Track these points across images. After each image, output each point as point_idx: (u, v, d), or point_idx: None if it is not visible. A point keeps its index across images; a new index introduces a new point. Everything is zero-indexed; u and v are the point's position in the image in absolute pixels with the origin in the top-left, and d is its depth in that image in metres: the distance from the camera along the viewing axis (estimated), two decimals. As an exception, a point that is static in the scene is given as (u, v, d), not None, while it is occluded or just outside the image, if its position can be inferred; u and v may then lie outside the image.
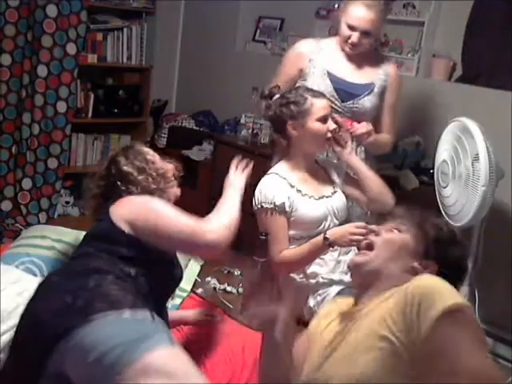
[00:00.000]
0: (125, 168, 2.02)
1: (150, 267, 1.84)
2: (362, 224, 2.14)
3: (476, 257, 3.00)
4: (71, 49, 4.07)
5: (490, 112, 3.27)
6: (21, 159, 4.13)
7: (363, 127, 2.63)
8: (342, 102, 2.75)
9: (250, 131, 4.11)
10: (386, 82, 2.79)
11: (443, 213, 3.00)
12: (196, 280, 2.76)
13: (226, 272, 2.88)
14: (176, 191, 2.15)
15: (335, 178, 2.62)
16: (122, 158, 2.05)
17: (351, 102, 2.75)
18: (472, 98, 3.38)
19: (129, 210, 1.88)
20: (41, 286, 1.78)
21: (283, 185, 2.45)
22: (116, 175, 2.02)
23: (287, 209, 2.41)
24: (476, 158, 2.71)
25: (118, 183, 2.01)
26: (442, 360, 1.25)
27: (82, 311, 1.55)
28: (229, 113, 4.57)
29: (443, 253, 1.58)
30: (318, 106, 2.41)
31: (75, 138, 4.45)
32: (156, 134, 4.76)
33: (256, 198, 2.47)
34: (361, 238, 1.78)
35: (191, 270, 2.81)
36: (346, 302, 1.70)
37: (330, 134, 2.46)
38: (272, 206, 2.41)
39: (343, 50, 2.76)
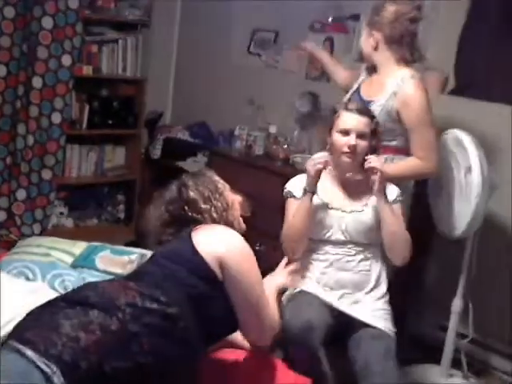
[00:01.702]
0: (191, 194, 2.02)
1: (198, 316, 1.75)
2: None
3: (470, 268, 3.02)
4: (66, 60, 4.07)
5: (483, 124, 3.29)
6: (15, 170, 4.13)
7: (375, 161, 2.44)
8: None
9: (244, 143, 4.12)
10: (390, 103, 2.66)
11: (436, 225, 3.02)
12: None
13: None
14: (242, 225, 2.13)
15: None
16: (192, 184, 2.05)
17: None
18: (465, 110, 3.41)
19: (222, 247, 1.83)
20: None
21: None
22: (186, 201, 2.01)
23: (296, 195, 2.54)
24: (469, 170, 2.74)
25: (186, 208, 2.00)
26: None
27: None
28: (223, 124, 4.58)
29: None
30: (342, 118, 2.44)
31: (70, 149, 4.44)
32: (150, 145, 4.77)
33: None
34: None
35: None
36: None
37: (346, 149, 2.42)
38: (288, 193, 2.59)
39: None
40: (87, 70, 4.35)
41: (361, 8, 3.72)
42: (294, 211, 2.52)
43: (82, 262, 2.64)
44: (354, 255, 2.51)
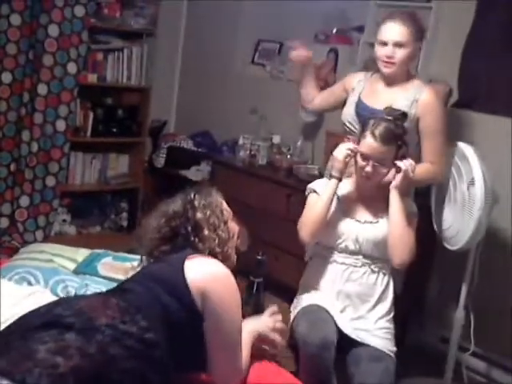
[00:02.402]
0: (198, 217, 1.91)
1: (174, 347, 1.68)
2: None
3: (472, 280, 3.01)
4: (72, 68, 4.10)
5: (486, 137, 3.30)
6: (19, 177, 4.14)
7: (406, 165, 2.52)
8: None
9: (247, 152, 4.13)
10: (414, 109, 2.69)
11: (439, 236, 3.02)
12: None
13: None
14: (234, 258, 2.00)
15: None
16: (199, 206, 1.94)
17: None
18: (468, 123, 3.42)
19: (210, 285, 1.74)
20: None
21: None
22: (191, 222, 1.91)
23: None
24: (472, 183, 2.74)
25: (189, 230, 1.90)
26: None
27: None
28: (227, 134, 4.60)
29: None
30: (363, 143, 2.44)
31: (73, 156, 4.47)
32: (154, 153, 4.79)
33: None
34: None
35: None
36: None
37: (364, 174, 2.45)
38: (310, 189, 2.61)
39: (383, 74, 2.76)
40: (92, 78, 4.37)
41: (365, 19, 3.73)
42: (318, 197, 2.57)
43: (85, 269, 2.64)
44: (360, 267, 2.50)
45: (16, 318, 1.72)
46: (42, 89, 4.05)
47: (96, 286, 2.49)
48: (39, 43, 3.98)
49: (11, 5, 3.83)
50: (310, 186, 2.65)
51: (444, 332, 3.37)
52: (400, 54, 2.67)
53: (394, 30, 2.67)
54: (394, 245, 2.44)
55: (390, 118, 2.48)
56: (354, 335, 2.40)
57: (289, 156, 4.10)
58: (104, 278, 2.59)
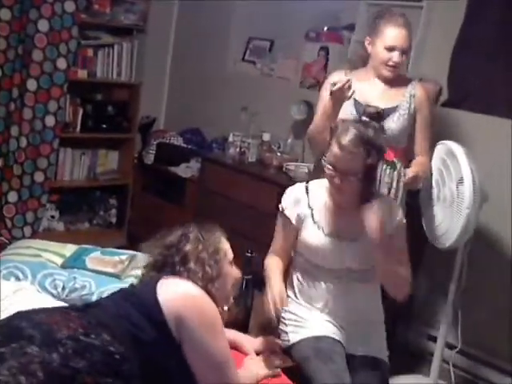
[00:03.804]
0: (187, 248, 1.89)
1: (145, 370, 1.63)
2: None
3: (460, 279, 3.03)
4: (61, 64, 4.08)
5: (475, 136, 3.32)
6: (7, 172, 4.11)
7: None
8: None
9: (237, 150, 4.13)
10: (412, 106, 2.84)
11: (428, 235, 3.04)
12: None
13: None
14: (226, 303, 1.95)
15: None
16: (194, 238, 1.92)
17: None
18: (457, 121, 3.43)
19: (183, 306, 1.71)
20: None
21: (302, 201, 2.35)
22: (180, 252, 1.90)
23: (294, 223, 2.35)
24: (460, 181, 2.76)
25: (176, 259, 1.89)
26: None
27: None
28: (217, 131, 4.60)
29: None
30: (330, 152, 2.22)
31: (63, 152, 4.44)
32: (144, 150, 4.77)
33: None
34: None
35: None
36: None
37: (334, 185, 2.37)
38: (281, 209, 2.39)
39: (381, 75, 2.82)
40: (82, 74, 4.35)
41: (356, 18, 3.74)
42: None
43: (73, 263, 2.64)
44: (347, 282, 2.33)
45: (4, 313, 1.72)
46: (31, 84, 4.02)
47: (84, 279, 2.50)
48: (29, 38, 3.94)
49: (1, 0, 3.80)
50: (283, 198, 2.41)
51: (431, 330, 3.39)
52: (404, 58, 2.80)
53: (401, 37, 2.74)
54: (391, 287, 2.28)
55: (365, 118, 2.51)
56: (358, 352, 2.29)
57: (279, 154, 4.10)
58: (92, 271, 2.59)
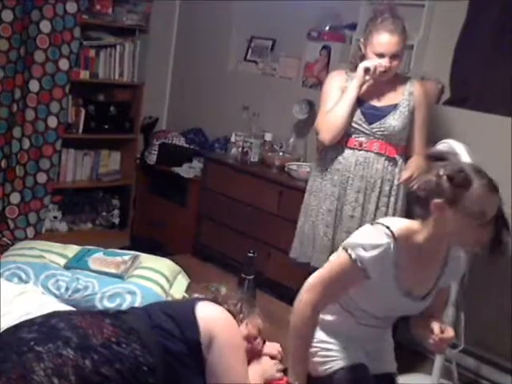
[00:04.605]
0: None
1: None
2: None
3: (463, 278, 3.02)
4: (64, 64, 4.09)
5: (478, 135, 3.31)
6: (10, 173, 4.12)
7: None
8: (370, 124, 2.88)
9: (240, 150, 4.13)
10: (412, 103, 2.91)
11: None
12: (184, 296, 2.76)
13: (213, 289, 2.87)
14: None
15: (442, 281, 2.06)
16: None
17: (378, 123, 2.88)
18: (460, 120, 3.42)
19: (218, 326, 1.78)
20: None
21: (389, 259, 1.89)
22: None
23: (371, 279, 1.90)
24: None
25: None
26: None
27: None
28: (219, 131, 4.60)
29: None
30: (483, 198, 1.80)
31: (65, 153, 4.45)
32: (146, 150, 4.77)
33: (353, 242, 1.91)
34: None
35: (180, 284, 2.81)
36: None
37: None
38: (360, 266, 1.87)
39: (374, 78, 2.86)
40: (84, 75, 4.36)
41: (358, 17, 3.73)
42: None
43: (75, 264, 2.64)
44: (387, 327, 2.19)
45: (6, 316, 1.72)
46: (33, 85, 4.03)
47: (87, 280, 2.50)
48: (31, 39, 3.96)
49: (3, 1, 3.80)
50: (364, 247, 1.87)
51: (435, 329, 3.38)
52: (395, 64, 2.84)
53: (391, 43, 2.79)
54: None
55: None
56: (375, 371, 2.15)
57: (281, 153, 4.10)
58: (95, 272, 2.60)
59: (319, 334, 2.08)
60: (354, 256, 1.86)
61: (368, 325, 2.06)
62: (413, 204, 1.94)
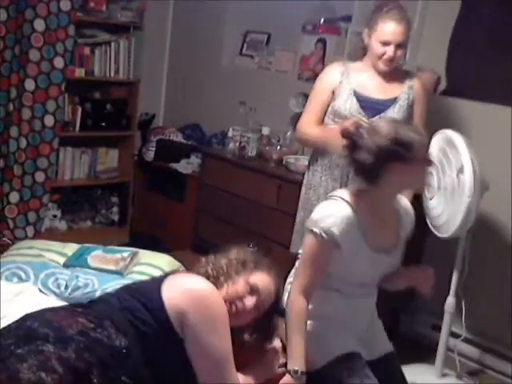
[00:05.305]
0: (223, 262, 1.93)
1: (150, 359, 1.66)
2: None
3: (463, 267, 3.03)
4: (59, 63, 4.07)
5: (475, 124, 3.31)
6: (8, 173, 4.12)
7: None
8: (369, 117, 2.81)
9: (237, 144, 4.13)
10: (411, 96, 2.89)
11: (429, 224, 3.03)
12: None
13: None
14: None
15: (402, 231, 2.20)
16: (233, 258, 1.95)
17: (377, 117, 2.82)
18: (456, 110, 3.42)
19: (187, 302, 1.71)
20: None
21: (352, 222, 2.02)
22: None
23: (343, 248, 2.01)
24: (461, 170, 2.75)
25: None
26: None
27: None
28: (216, 126, 4.59)
29: None
30: (425, 145, 2.06)
31: (63, 151, 4.43)
32: (144, 147, 4.77)
33: (314, 220, 2.02)
34: None
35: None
36: None
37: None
38: (329, 239, 1.98)
39: (377, 68, 2.84)
40: (80, 73, 4.34)
41: (352, 9, 3.73)
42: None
43: (75, 262, 2.65)
44: (371, 294, 2.23)
45: (6, 316, 1.73)
46: (29, 84, 4.02)
47: (86, 277, 2.51)
48: (25, 38, 3.94)
49: (-4, 0, 3.80)
50: (325, 222, 1.99)
51: (435, 320, 3.39)
52: (399, 53, 2.80)
53: (397, 32, 2.75)
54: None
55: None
56: (371, 357, 2.19)
57: (278, 147, 4.09)
58: (94, 269, 2.60)
59: (311, 327, 2.10)
60: (318, 231, 1.98)
61: (357, 295, 2.13)
62: (357, 173, 2.07)
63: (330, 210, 2.02)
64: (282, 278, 2.06)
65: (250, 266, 1.94)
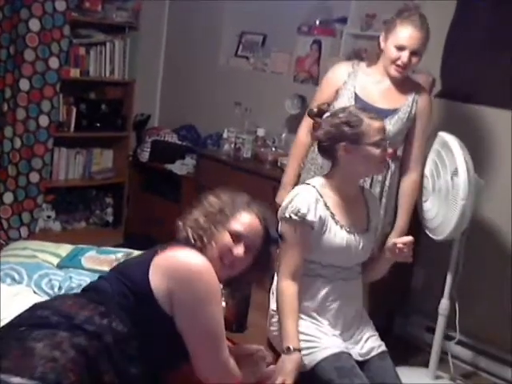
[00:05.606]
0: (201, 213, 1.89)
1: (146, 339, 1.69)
2: None
3: (457, 270, 3.03)
4: (54, 63, 4.06)
5: (469, 127, 3.32)
6: (2, 173, 4.10)
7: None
8: None
9: (232, 146, 4.12)
10: (413, 111, 2.77)
11: (424, 226, 3.03)
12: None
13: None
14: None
15: (373, 215, 2.35)
16: (215, 199, 1.93)
17: None
18: (451, 113, 3.43)
19: (173, 279, 1.69)
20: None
21: (319, 202, 2.17)
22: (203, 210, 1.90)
23: (316, 228, 2.15)
24: (455, 173, 2.75)
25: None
26: None
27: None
28: (211, 127, 4.59)
29: None
30: (375, 129, 2.17)
31: (57, 151, 4.43)
32: (139, 148, 4.76)
33: (284, 207, 2.19)
34: None
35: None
36: None
37: (387, 158, 2.37)
38: (300, 219, 2.12)
39: (388, 73, 2.73)
40: (75, 73, 4.33)
41: (348, 11, 3.73)
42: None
43: (68, 263, 2.64)
44: (353, 279, 2.29)
45: (6, 318, 1.74)
46: (23, 84, 4.00)
47: (80, 278, 2.50)
48: (20, 38, 3.93)
49: (-9, 0, 3.79)
50: (297, 208, 2.14)
51: (430, 322, 3.39)
52: (414, 60, 2.69)
53: (414, 37, 2.64)
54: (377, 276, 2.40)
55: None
56: (361, 357, 2.22)
57: (274, 149, 4.09)
58: (88, 270, 2.59)
59: (300, 327, 2.15)
60: (288, 215, 2.13)
61: (339, 279, 2.22)
62: (320, 153, 2.31)
63: (296, 194, 2.18)
64: (266, 207, 2.04)
65: (227, 212, 1.90)
